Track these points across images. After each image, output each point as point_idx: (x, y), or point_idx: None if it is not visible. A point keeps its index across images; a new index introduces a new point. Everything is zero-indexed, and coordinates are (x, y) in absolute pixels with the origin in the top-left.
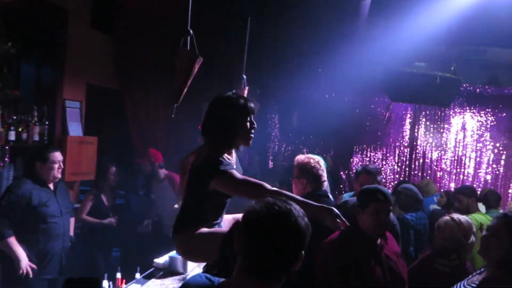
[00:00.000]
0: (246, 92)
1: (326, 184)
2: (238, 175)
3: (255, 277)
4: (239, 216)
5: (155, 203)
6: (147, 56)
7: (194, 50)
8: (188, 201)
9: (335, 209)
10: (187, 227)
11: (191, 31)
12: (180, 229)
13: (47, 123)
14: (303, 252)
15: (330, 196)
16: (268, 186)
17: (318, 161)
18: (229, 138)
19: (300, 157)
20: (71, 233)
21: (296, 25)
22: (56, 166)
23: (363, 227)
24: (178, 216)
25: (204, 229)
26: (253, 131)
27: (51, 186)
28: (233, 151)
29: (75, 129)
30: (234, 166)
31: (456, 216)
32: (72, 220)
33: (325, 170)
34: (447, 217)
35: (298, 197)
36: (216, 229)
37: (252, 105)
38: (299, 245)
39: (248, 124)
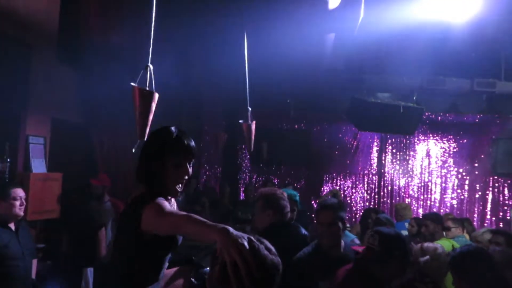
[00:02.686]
0: (254, 126)
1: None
2: (168, 207)
3: None
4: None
5: None
6: (114, 90)
7: (151, 89)
8: (117, 258)
9: (232, 230)
10: None
11: (151, 66)
12: None
13: (8, 160)
14: None
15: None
16: (193, 216)
17: (282, 192)
18: (154, 181)
19: (265, 189)
20: (33, 275)
21: (263, 56)
22: (18, 203)
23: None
24: (105, 279)
25: None
26: (180, 178)
27: (12, 226)
28: (173, 201)
29: (38, 165)
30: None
31: (430, 244)
32: (35, 261)
33: (288, 201)
34: (421, 245)
35: (199, 219)
36: None
37: (191, 144)
38: (268, 284)
39: (172, 166)
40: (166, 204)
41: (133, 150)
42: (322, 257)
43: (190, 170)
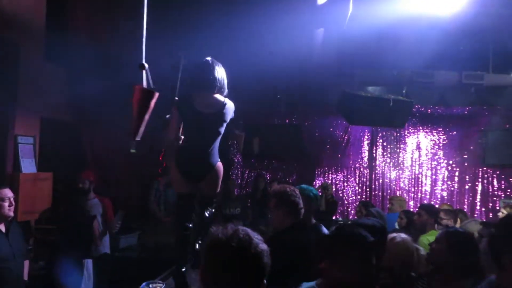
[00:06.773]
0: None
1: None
2: None
3: None
4: None
5: None
6: (103, 89)
7: (149, 86)
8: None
9: None
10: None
11: (146, 65)
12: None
13: None
14: (265, 281)
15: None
16: None
17: (294, 189)
18: None
19: (276, 187)
20: (25, 277)
21: (256, 52)
22: (6, 204)
23: None
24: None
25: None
26: None
27: (2, 228)
28: None
29: (28, 165)
30: None
31: (396, 235)
32: (27, 263)
33: (301, 198)
34: (391, 235)
35: None
36: None
37: None
38: (260, 275)
39: None
40: None
41: (133, 151)
42: None
43: None
